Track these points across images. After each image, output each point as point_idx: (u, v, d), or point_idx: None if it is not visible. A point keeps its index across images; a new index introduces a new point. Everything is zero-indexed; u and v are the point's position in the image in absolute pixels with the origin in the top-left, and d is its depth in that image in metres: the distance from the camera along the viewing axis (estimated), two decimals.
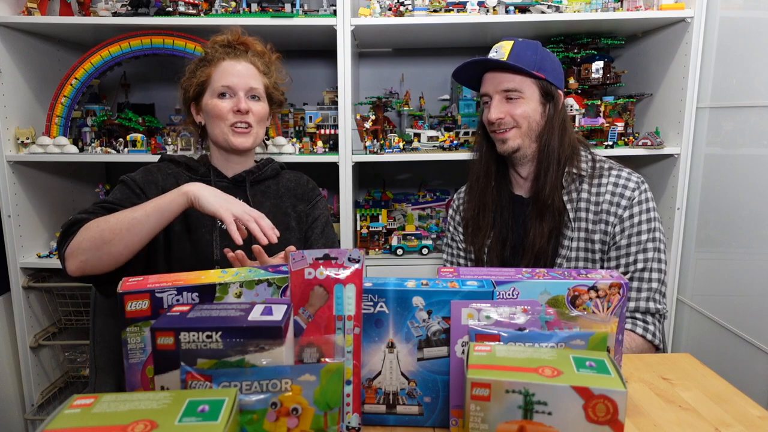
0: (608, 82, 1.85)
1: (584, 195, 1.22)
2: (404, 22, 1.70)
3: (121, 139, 1.82)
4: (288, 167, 1.37)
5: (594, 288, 0.72)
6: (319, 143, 1.83)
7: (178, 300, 0.68)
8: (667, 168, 1.82)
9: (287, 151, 1.79)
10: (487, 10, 1.72)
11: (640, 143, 1.77)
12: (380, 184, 2.19)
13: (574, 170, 1.22)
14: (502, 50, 1.21)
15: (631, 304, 1.14)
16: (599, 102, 1.87)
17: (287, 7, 1.74)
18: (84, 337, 1.97)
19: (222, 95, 1.18)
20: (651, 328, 1.12)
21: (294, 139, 1.89)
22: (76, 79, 1.73)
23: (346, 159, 1.76)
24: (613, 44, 1.93)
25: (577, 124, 1.80)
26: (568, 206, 1.21)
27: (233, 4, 1.76)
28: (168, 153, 1.57)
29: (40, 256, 1.85)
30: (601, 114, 1.86)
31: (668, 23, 1.77)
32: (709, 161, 1.72)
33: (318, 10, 1.78)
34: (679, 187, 1.77)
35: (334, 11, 1.70)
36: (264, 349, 0.57)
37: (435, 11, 1.73)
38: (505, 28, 1.79)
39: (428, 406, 0.73)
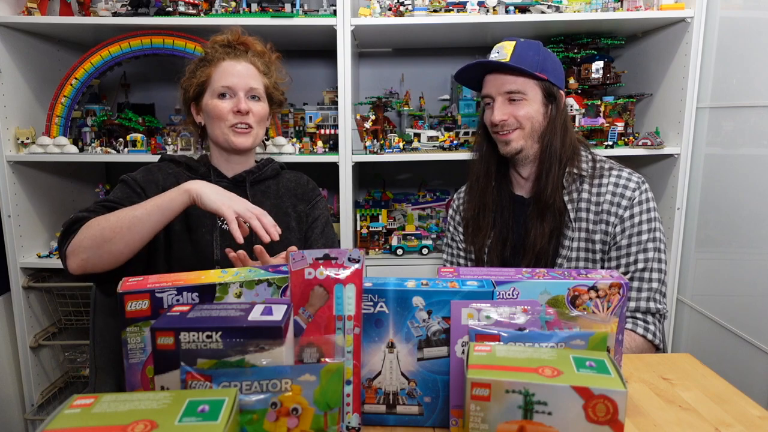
0: (608, 82, 1.85)
1: (585, 195, 1.22)
2: (404, 22, 1.70)
3: (121, 139, 1.82)
4: (288, 167, 1.37)
5: (594, 288, 0.72)
6: (319, 143, 1.83)
7: (178, 300, 0.68)
8: (667, 168, 1.82)
9: (287, 151, 1.79)
10: (487, 10, 1.72)
11: (640, 143, 1.77)
12: (380, 184, 2.19)
13: (575, 170, 1.22)
14: (504, 51, 1.21)
15: (632, 304, 1.14)
16: (599, 102, 1.87)
17: (287, 7, 1.74)
18: (84, 337, 1.97)
19: (222, 95, 1.18)
20: (651, 327, 1.13)
21: (294, 139, 1.89)
22: (76, 79, 1.73)
23: (346, 159, 1.76)
24: (613, 44, 1.93)
25: (577, 124, 1.80)
26: (569, 206, 1.21)
27: (233, 4, 1.76)
28: (168, 153, 1.57)
29: (40, 256, 1.85)
30: (601, 114, 1.86)
31: (668, 23, 1.77)
32: (709, 161, 1.72)
33: (318, 10, 1.78)
34: (679, 187, 1.77)
35: (334, 11, 1.70)
36: (264, 349, 0.57)
37: (435, 11, 1.73)
38: (505, 28, 1.79)
39: (428, 406, 0.73)
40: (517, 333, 0.64)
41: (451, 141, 1.86)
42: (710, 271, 1.72)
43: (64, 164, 1.96)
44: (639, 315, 1.14)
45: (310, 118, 1.92)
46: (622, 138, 1.85)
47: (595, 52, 1.86)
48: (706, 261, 1.75)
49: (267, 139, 1.75)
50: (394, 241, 1.91)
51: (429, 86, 2.18)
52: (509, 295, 0.72)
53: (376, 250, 1.94)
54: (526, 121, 1.21)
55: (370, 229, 1.94)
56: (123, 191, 1.15)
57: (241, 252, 0.98)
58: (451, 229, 1.44)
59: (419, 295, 0.71)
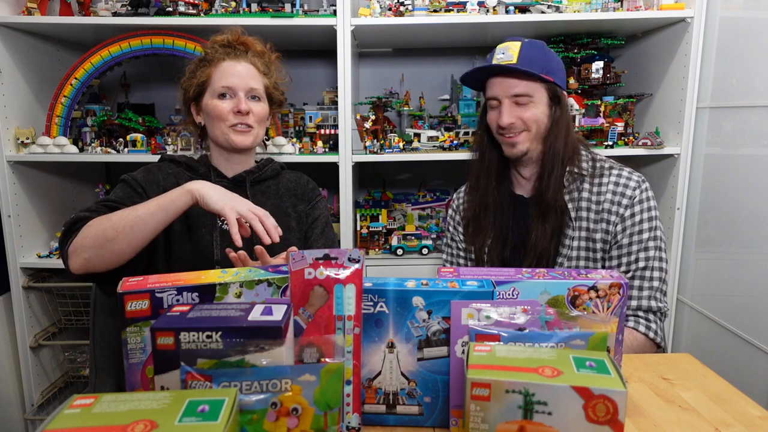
0: (608, 82, 1.85)
1: (585, 194, 1.22)
2: (404, 22, 1.70)
3: (121, 139, 1.82)
4: (288, 167, 1.37)
5: (594, 288, 0.72)
6: (319, 143, 1.83)
7: (178, 300, 0.68)
8: (667, 168, 1.82)
9: (287, 151, 1.79)
10: (487, 10, 1.72)
11: (640, 143, 1.78)
12: (380, 184, 2.19)
13: (575, 170, 1.23)
14: (509, 52, 1.19)
15: (633, 303, 1.14)
16: (599, 102, 1.87)
17: (287, 7, 1.74)
18: (84, 337, 1.97)
19: (222, 96, 1.18)
20: (653, 326, 1.13)
21: (294, 139, 1.89)
22: (76, 79, 1.73)
23: (346, 159, 1.76)
24: (613, 44, 1.93)
25: (577, 124, 1.80)
26: (570, 205, 1.21)
27: (233, 4, 1.76)
28: (168, 153, 1.57)
29: (40, 256, 1.85)
30: (601, 114, 1.87)
31: (668, 23, 1.77)
32: (709, 161, 1.72)
33: (318, 10, 1.78)
34: (679, 187, 1.77)
35: (334, 11, 1.70)
36: (264, 349, 0.57)
37: (435, 11, 1.73)
38: (505, 28, 1.79)
39: (428, 406, 0.73)
40: (517, 333, 0.64)
41: (451, 141, 1.86)
42: (710, 271, 1.72)
43: (64, 164, 1.96)
44: (641, 313, 1.14)
45: (310, 118, 1.92)
46: (622, 138, 1.85)
47: (595, 52, 1.86)
48: (706, 261, 1.75)
49: (267, 139, 1.75)
50: (394, 241, 1.91)
51: (429, 86, 2.18)
52: (509, 295, 0.72)
53: (376, 250, 1.94)
54: (533, 124, 1.21)
55: (370, 229, 1.94)
56: (124, 191, 1.15)
57: (242, 252, 0.98)
58: (450, 229, 1.44)
59: (419, 295, 0.71)
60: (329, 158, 1.77)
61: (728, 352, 1.61)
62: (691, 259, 1.80)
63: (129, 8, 1.74)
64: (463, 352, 0.69)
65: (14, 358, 1.89)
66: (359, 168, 2.03)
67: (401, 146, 1.84)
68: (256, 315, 0.60)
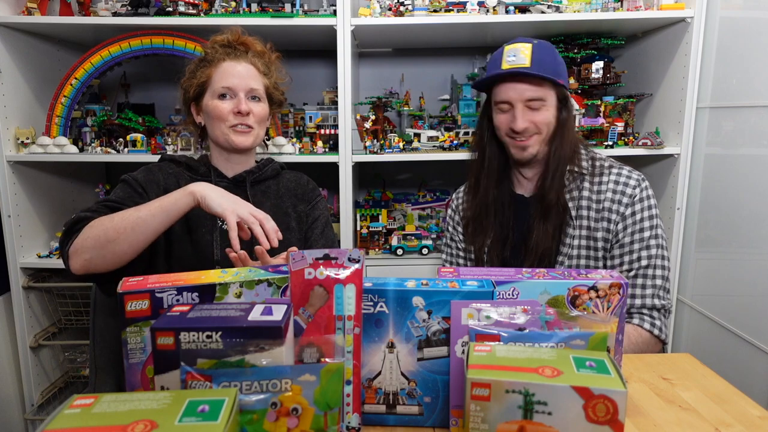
0: (608, 82, 1.85)
1: (585, 193, 1.22)
2: (404, 22, 1.70)
3: (121, 139, 1.82)
4: (288, 167, 1.37)
5: (594, 288, 0.72)
6: (319, 143, 1.83)
7: (178, 300, 0.68)
8: (667, 168, 1.82)
9: (287, 151, 1.79)
10: (487, 10, 1.72)
11: (640, 143, 1.78)
12: (380, 184, 2.19)
13: (575, 168, 1.23)
14: (521, 55, 1.17)
15: (637, 302, 1.15)
16: (599, 102, 1.87)
17: (287, 7, 1.74)
18: (84, 337, 1.97)
19: (222, 96, 1.18)
20: (657, 323, 1.14)
21: (294, 139, 1.89)
22: (76, 79, 1.73)
23: (346, 159, 1.76)
24: (613, 44, 1.93)
25: (577, 124, 1.80)
26: (570, 204, 1.22)
27: (233, 4, 1.76)
28: (168, 153, 1.57)
29: (40, 256, 1.85)
30: (601, 114, 1.87)
31: (668, 23, 1.77)
32: (709, 161, 1.72)
33: (318, 10, 1.78)
34: (679, 187, 1.77)
35: (334, 11, 1.70)
36: (264, 349, 0.57)
37: (435, 11, 1.73)
38: (505, 28, 1.79)
39: (428, 406, 0.73)
40: (517, 333, 0.64)
41: (451, 141, 1.86)
42: (710, 271, 1.72)
43: (64, 164, 1.96)
44: (645, 311, 1.15)
45: (310, 118, 1.92)
46: (622, 138, 1.85)
47: (595, 52, 1.86)
48: (706, 261, 1.75)
49: (267, 139, 1.75)
50: (394, 241, 1.91)
51: (429, 86, 2.18)
52: (509, 295, 0.72)
53: (376, 250, 1.94)
54: (544, 127, 1.21)
55: (370, 229, 1.94)
56: (124, 191, 1.15)
57: (242, 252, 0.98)
58: (450, 228, 1.44)
59: (419, 295, 0.71)
60: (329, 158, 1.77)
61: (728, 352, 1.61)
62: (691, 259, 1.80)
63: (129, 8, 1.74)
64: (463, 352, 0.69)
65: (14, 358, 1.89)
66: (359, 168, 2.03)
67: (401, 146, 1.84)
68: (256, 315, 0.60)
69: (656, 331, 1.13)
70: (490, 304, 0.68)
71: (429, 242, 1.91)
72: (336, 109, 1.79)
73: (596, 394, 0.54)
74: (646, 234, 1.17)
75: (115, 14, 1.74)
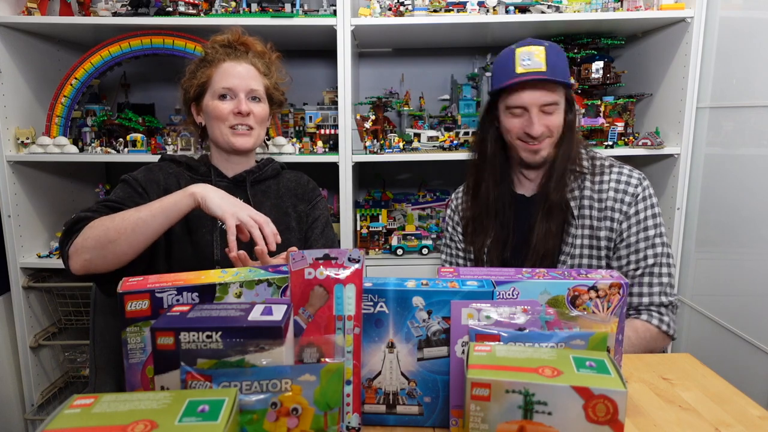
0: (608, 82, 1.85)
1: (587, 192, 1.22)
2: (404, 22, 1.70)
3: (121, 139, 1.82)
4: (288, 167, 1.37)
5: (594, 288, 0.72)
6: (319, 143, 1.83)
7: (178, 300, 0.68)
8: (667, 168, 1.82)
9: (287, 151, 1.79)
10: (487, 10, 1.72)
11: (640, 143, 1.78)
12: (380, 184, 2.19)
13: (577, 168, 1.23)
14: (536, 59, 1.16)
15: (645, 300, 1.16)
16: (599, 102, 1.87)
17: (287, 7, 1.74)
18: (84, 337, 1.97)
19: (223, 97, 1.18)
20: (666, 319, 1.15)
21: (294, 139, 1.89)
22: (76, 79, 1.73)
23: (346, 159, 1.76)
24: (613, 44, 1.93)
25: (577, 124, 1.80)
26: (572, 204, 1.22)
27: (233, 4, 1.76)
28: (168, 153, 1.57)
29: (40, 256, 1.85)
30: (601, 114, 1.87)
31: (668, 23, 1.77)
32: (709, 161, 1.72)
33: (318, 10, 1.78)
34: (679, 187, 1.77)
35: (334, 11, 1.70)
36: (264, 349, 0.57)
37: (435, 11, 1.73)
38: (505, 28, 1.79)
39: (428, 406, 0.73)
40: (517, 333, 0.64)
41: (451, 141, 1.86)
42: (710, 271, 1.72)
43: (64, 164, 1.96)
44: (653, 308, 1.16)
45: (310, 118, 1.92)
46: (622, 138, 1.85)
47: (595, 52, 1.86)
48: (706, 261, 1.75)
49: (267, 139, 1.75)
50: (394, 241, 1.91)
51: (429, 86, 2.18)
52: (509, 295, 0.72)
53: (376, 250, 1.94)
54: (556, 130, 1.21)
55: (370, 229, 1.94)
56: (125, 191, 1.15)
57: (242, 252, 0.98)
58: (449, 229, 1.44)
59: (419, 295, 0.71)
60: (329, 158, 1.77)
61: (728, 352, 1.61)
62: (691, 259, 1.80)
63: (129, 8, 1.74)
64: (463, 352, 0.69)
65: (14, 358, 1.89)
66: (359, 168, 2.03)
67: (401, 146, 1.84)
68: (256, 315, 0.60)
69: (664, 327, 1.15)
70: (490, 304, 0.68)
71: (429, 242, 1.91)
72: (336, 109, 1.79)
73: (596, 394, 0.54)
74: (651, 233, 1.18)
75: (115, 14, 1.74)
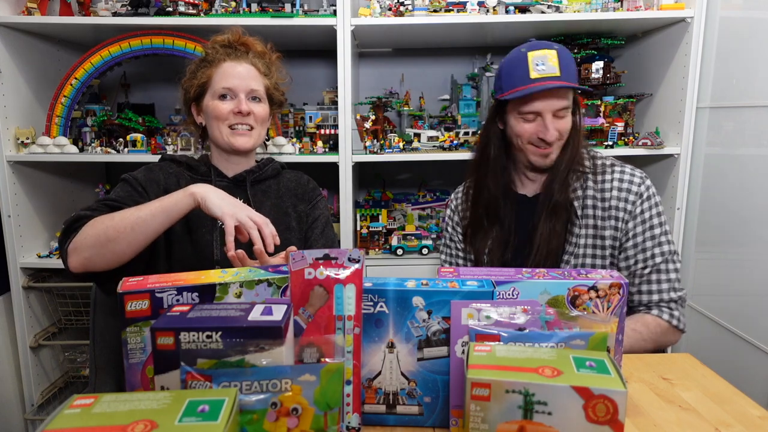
0: (608, 82, 1.85)
1: (590, 192, 1.23)
2: (404, 22, 1.70)
3: (121, 139, 1.82)
4: (288, 167, 1.37)
5: (594, 288, 0.72)
6: (319, 143, 1.83)
7: (178, 300, 0.68)
8: (667, 168, 1.82)
9: (287, 151, 1.79)
10: (487, 10, 1.72)
11: (640, 143, 1.78)
12: (380, 184, 2.19)
13: (579, 168, 1.23)
14: (550, 63, 1.14)
15: (655, 297, 1.17)
16: (599, 102, 1.87)
17: (287, 7, 1.74)
18: (84, 337, 1.97)
19: (223, 97, 1.18)
20: (676, 313, 1.16)
21: (294, 139, 1.89)
22: (76, 79, 1.73)
23: (346, 159, 1.76)
24: (613, 44, 1.93)
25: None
26: (576, 203, 1.22)
27: (233, 4, 1.76)
28: (168, 153, 1.57)
29: (40, 256, 1.85)
30: (601, 114, 1.87)
31: (668, 23, 1.77)
32: (709, 161, 1.72)
33: (318, 10, 1.78)
34: (679, 187, 1.77)
35: (334, 11, 1.70)
36: (264, 349, 0.57)
37: (435, 11, 1.73)
38: (505, 28, 1.79)
39: (428, 406, 0.73)
40: (517, 333, 0.64)
41: (451, 141, 1.86)
42: (710, 271, 1.72)
43: (64, 164, 1.96)
44: (663, 304, 1.17)
45: (310, 118, 1.92)
46: (622, 138, 1.85)
47: (595, 52, 1.86)
48: (706, 261, 1.75)
49: (267, 140, 1.75)
50: (394, 241, 1.91)
51: (429, 86, 2.18)
52: (509, 295, 0.72)
53: (376, 250, 1.94)
54: (566, 133, 1.21)
55: (370, 229, 1.94)
56: (125, 190, 1.15)
57: (240, 251, 0.98)
58: (449, 229, 1.43)
59: (419, 295, 0.71)
60: (329, 158, 1.77)
61: (728, 352, 1.61)
62: (691, 259, 1.79)
63: (129, 8, 1.74)
64: (463, 352, 0.69)
65: (14, 358, 1.89)
66: (359, 168, 2.03)
67: (401, 146, 1.84)
68: (256, 315, 0.60)
69: (675, 322, 1.15)
70: (490, 304, 0.68)
71: (429, 242, 1.91)
72: (336, 109, 1.79)
73: (596, 394, 0.54)
74: (657, 231, 1.18)
75: (115, 14, 1.74)
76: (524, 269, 0.77)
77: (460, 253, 1.40)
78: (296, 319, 0.69)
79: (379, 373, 0.73)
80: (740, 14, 1.60)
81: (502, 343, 0.64)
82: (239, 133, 1.19)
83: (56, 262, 1.82)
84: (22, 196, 1.83)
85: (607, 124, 1.83)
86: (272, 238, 0.97)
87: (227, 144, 1.19)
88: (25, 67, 1.82)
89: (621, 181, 1.22)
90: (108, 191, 2.01)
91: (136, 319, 0.67)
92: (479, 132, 1.82)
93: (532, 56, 1.16)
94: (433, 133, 1.89)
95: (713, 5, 1.67)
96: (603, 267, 1.22)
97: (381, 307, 0.71)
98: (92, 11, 1.78)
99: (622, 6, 1.75)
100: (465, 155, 1.78)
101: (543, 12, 1.71)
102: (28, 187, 1.85)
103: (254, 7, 1.75)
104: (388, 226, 1.97)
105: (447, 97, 2.16)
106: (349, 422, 0.71)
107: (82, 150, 1.84)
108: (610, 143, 1.81)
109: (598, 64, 1.84)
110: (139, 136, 1.81)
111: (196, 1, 1.73)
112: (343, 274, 0.69)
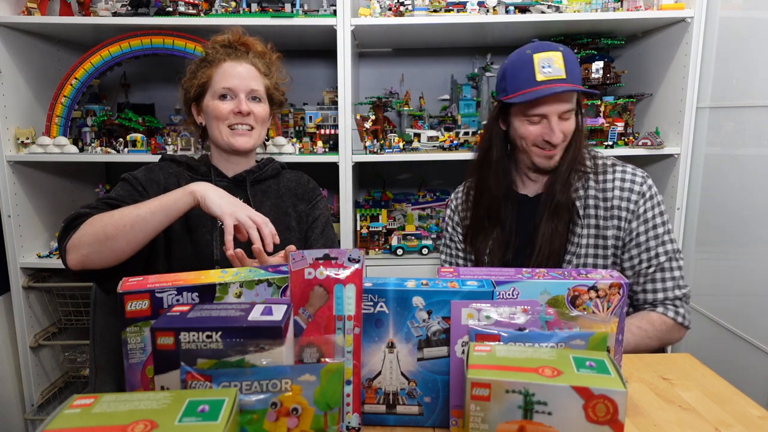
0: (608, 82, 1.85)
1: (592, 192, 1.22)
2: (404, 22, 1.70)
3: (121, 139, 1.82)
4: (288, 167, 1.37)
5: (594, 288, 0.72)
6: (319, 143, 1.83)
7: (178, 300, 0.68)
8: (667, 168, 1.82)
9: (287, 151, 1.79)
10: (487, 10, 1.72)
11: (640, 143, 1.78)
12: (380, 184, 2.19)
13: (580, 168, 1.23)
14: (555, 65, 1.14)
15: (660, 295, 1.17)
16: (599, 102, 1.87)
17: (287, 7, 1.74)
18: (84, 337, 1.97)
19: (223, 97, 1.18)
20: (681, 311, 1.16)
21: (294, 139, 1.89)
22: (76, 79, 1.73)
23: (346, 159, 1.76)
24: (613, 44, 1.93)
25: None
26: (578, 203, 1.22)
27: (233, 4, 1.76)
28: (168, 153, 1.57)
29: (40, 256, 1.85)
30: (601, 114, 1.86)
31: (668, 23, 1.77)
32: (709, 161, 1.72)
33: (318, 10, 1.78)
34: (679, 187, 1.77)
35: (334, 11, 1.70)
36: (264, 349, 0.57)
37: (435, 11, 1.73)
38: (505, 28, 1.79)
39: (428, 406, 0.73)
40: (517, 333, 0.64)
41: (451, 141, 1.86)
42: (710, 271, 1.72)
43: (64, 164, 1.96)
44: (668, 302, 1.17)
45: (310, 118, 1.92)
46: (622, 138, 1.85)
47: (595, 52, 1.86)
48: (706, 261, 1.75)
49: (267, 140, 1.75)
50: (394, 241, 1.91)
51: (429, 86, 2.18)
52: (509, 295, 0.72)
53: (376, 250, 1.94)
54: (570, 135, 1.21)
55: (370, 229, 1.94)
56: (125, 189, 1.15)
57: (239, 250, 0.97)
58: (449, 229, 1.43)
59: (419, 295, 0.71)
60: (329, 158, 1.77)
61: (728, 352, 1.61)
62: (691, 259, 1.80)
63: (129, 8, 1.74)
64: (463, 352, 0.69)
65: (14, 358, 1.89)
66: (359, 168, 2.03)
67: (401, 146, 1.84)
68: (256, 315, 0.60)
69: (680, 319, 1.16)
70: (490, 304, 0.68)
71: (429, 242, 1.91)
72: (336, 109, 1.79)
73: (596, 394, 0.54)
74: (660, 230, 1.19)
75: (115, 14, 1.74)
76: (524, 269, 0.77)
77: (460, 253, 1.40)
78: (296, 319, 0.69)
79: (379, 373, 0.73)
80: (740, 14, 1.60)
81: (502, 343, 0.64)
82: (239, 133, 1.19)
83: (56, 262, 1.82)
84: (22, 196, 1.83)
85: (607, 124, 1.83)
86: (271, 238, 0.97)
87: (227, 144, 1.19)
88: (25, 67, 1.82)
89: (623, 180, 1.22)
90: (108, 191, 2.01)
91: (136, 319, 0.67)
92: (480, 132, 1.83)
93: (538, 58, 1.15)
94: (433, 133, 1.89)
95: (713, 5, 1.67)
96: (605, 267, 1.22)
97: (381, 307, 0.71)
98: (92, 11, 1.78)
99: (622, 6, 1.75)
100: (465, 155, 1.78)
101: (543, 12, 1.71)
102: (28, 187, 1.85)
103: (254, 7, 1.75)
104: (388, 226, 1.97)
105: (447, 97, 2.16)
106: (349, 422, 0.71)
107: (82, 150, 1.84)
108: (610, 143, 1.81)
109: (598, 64, 1.84)
110: (139, 136, 1.81)
111: (196, 1, 1.73)
112: (343, 274, 0.69)
